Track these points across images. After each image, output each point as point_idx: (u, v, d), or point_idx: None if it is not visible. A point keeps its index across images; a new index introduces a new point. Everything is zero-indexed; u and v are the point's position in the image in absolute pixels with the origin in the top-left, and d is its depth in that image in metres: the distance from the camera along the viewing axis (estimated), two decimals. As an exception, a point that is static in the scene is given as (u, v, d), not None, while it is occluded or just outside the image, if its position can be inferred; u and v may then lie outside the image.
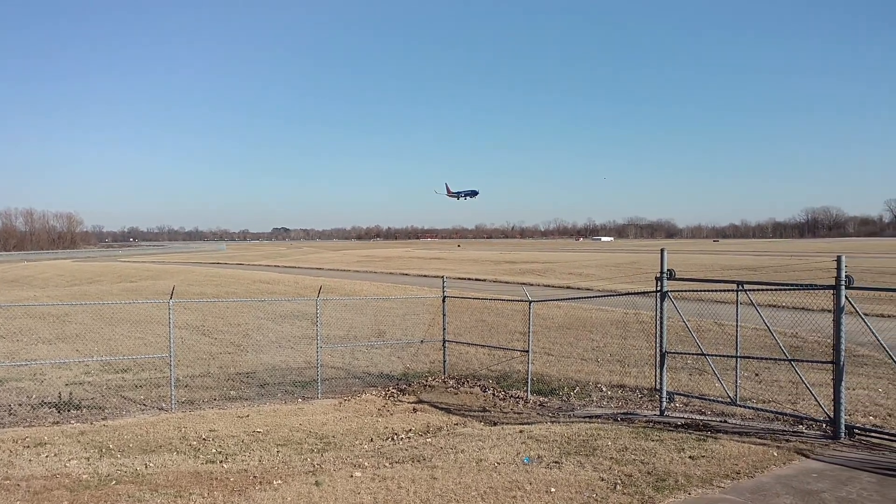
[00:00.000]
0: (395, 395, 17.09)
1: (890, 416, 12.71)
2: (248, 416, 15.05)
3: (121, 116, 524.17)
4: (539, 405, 15.45)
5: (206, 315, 30.00)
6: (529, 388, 16.34)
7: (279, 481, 9.58)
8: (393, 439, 12.93)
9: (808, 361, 14.64)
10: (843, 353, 11.13)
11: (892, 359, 11.25)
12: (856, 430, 11.28)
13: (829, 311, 11.36)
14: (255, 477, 9.97)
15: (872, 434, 11.22)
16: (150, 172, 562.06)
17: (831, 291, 11.24)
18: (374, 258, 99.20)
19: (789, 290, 14.02)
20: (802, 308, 15.39)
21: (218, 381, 18.30)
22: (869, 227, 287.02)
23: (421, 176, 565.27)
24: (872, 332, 11.03)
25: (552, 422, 13.29)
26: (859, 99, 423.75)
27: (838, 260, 11.25)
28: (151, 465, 11.03)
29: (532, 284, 44.39)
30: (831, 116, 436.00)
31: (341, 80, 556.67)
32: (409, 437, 12.94)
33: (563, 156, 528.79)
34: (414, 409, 15.75)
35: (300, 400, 16.76)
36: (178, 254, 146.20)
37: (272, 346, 22.81)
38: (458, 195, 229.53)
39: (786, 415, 12.64)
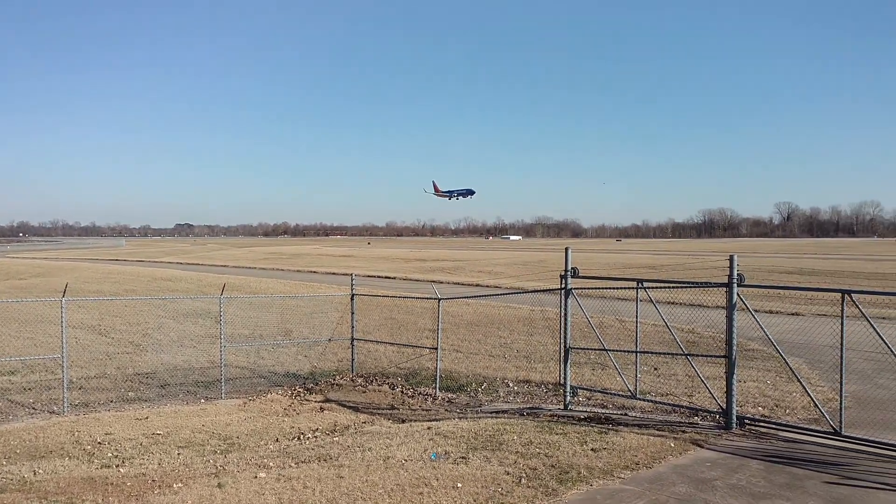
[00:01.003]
0: (302, 395, 16.84)
1: (777, 406, 13.44)
2: (147, 417, 14.49)
3: (8, 105, 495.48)
4: (447, 402, 15.54)
5: (102, 314, 28.71)
6: (438, 385, 16.42)
7: (180, 484, 9.28)
8: (299, 439, 12.74)
9: (703, 356, 15.30)
10: (734, 348, 11.71)
11: (780, 353, 11.93)
12: (746, 421, 11.89)
13: (723, 307, 11.93)
14: (153, 481, 9.62)
15: (761, 424, 11.86)
16: (42, 162, 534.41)
17: (724, 289, 11.82)
18: (282, 255, 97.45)
19: (686, 287, 14.63)
20: (698, 305, 16.09)
21: (115, 382, 17.53)
22: (760, 228, 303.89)
23: (330, 171, 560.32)
24: (761, 328, 11.66)
25: (460, 418, 13.39)
26: (751, 105, 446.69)
27: (731, 259, 11.83)
28: (41, 471, 10.45)
29: (442, 282, 44.67)
30: (725, 122, 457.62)
31: (240, 70, 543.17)
32: (315, 437, 12.77)
33: (474, 156, 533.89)
34: (321, 407, 15.56)
35: (203, 400, 16.28)
36: (72, 250, 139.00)
37: (174, 345, 22.04)
38: (450, 194, 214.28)
39: (682, 407, 13.19)
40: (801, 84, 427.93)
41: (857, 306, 10.69)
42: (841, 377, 10.88)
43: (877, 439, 10.46)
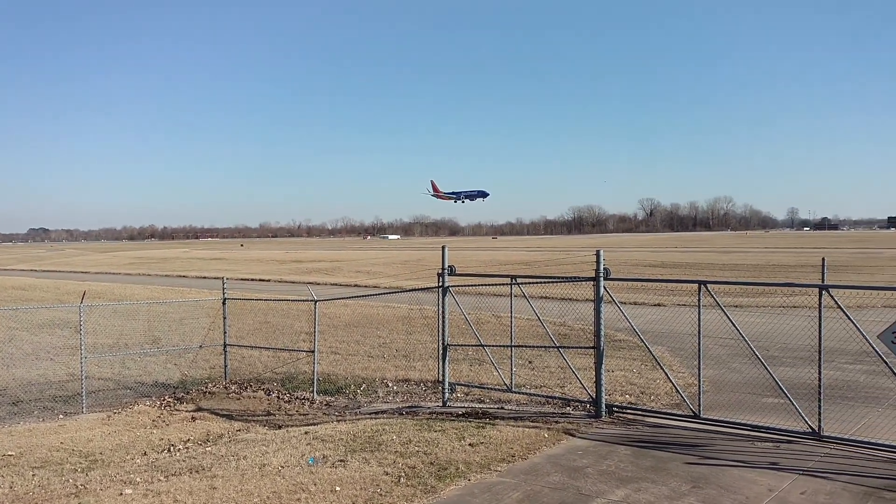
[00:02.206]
0: (172, 405, 16.11)
1: (643, 393, 14.14)
2: (-4, 438, 13.41)
3: None
4: (326, 405, 15.32)
5: (-56, 328, 26.33)
6: (316, 389, 16.15)
7: (34, 508, 8.64)
8: (169, 451, 12.18)
9: (573, 348, 15.88)
10: (602, 339, 12.21)
11: (644, 342, 12.55)
12: (615, 409, 12.43)
13: (592, 300, 12.41)
14: (4, 506, 8.91)
15: (628, 411, 12.43)
16: None
17: (592, 283, 12.30)
18: (149, 260, 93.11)
19: (556, 282, 15.17)
20: (569, 299, 16.66)
21: (-41, 401, 16.11)
22: (626, 224, 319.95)
23: (199, 170, 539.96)
24: (627, 319, 12.23)
25: (338, 421, 13.24)
26: (613, 106, 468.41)
27: (597, 254, 12.34)
28: None
29: (319, 284, 44.07)
30: (594, 124, 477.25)
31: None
32: (187, 448, 12.25)
33: (350, 155, 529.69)
34: (193, 417, 14.95)
35: (62, 416, 15.24)
36: None
37: (28, 358, 20.51)
38: (456, 196, 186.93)
39: (556, 398, 13.62)
40: (660, 86, 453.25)
41: (713, 296, 11.41)
42: (699, 363, 11.59)
43: (731, 420, 11.23)
